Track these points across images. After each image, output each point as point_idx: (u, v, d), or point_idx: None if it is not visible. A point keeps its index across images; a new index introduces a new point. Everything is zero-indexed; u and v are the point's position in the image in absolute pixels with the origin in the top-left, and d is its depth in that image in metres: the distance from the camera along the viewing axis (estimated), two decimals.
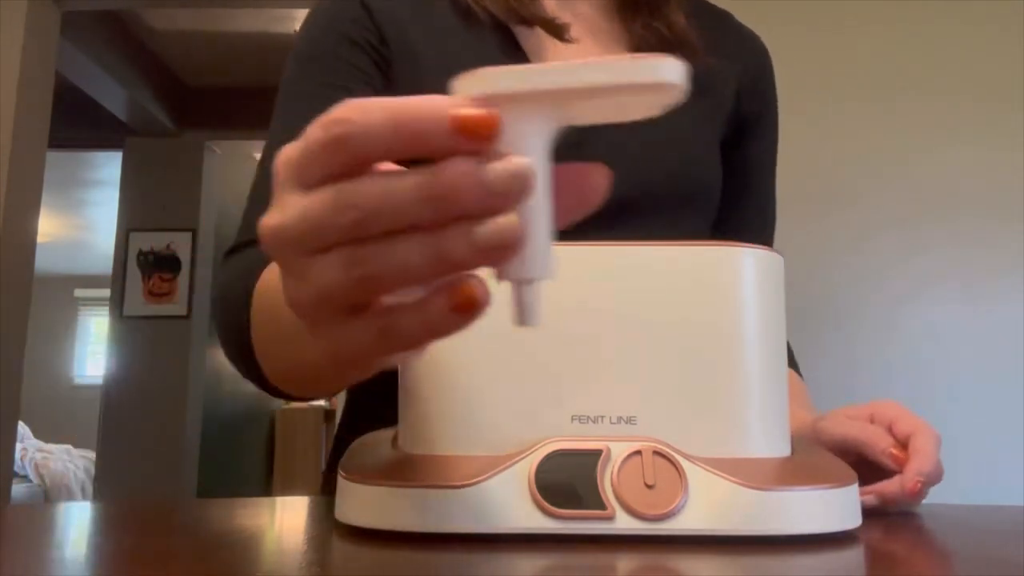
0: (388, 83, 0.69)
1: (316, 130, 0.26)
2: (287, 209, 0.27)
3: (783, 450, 0.45)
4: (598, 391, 0.42)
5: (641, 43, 0.72)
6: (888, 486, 0.52)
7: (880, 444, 0.54)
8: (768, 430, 0.44)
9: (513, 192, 0.26)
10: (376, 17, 0.70)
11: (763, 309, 0.45)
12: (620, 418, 0.42)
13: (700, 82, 0.71)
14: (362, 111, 0.26)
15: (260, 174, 0.69)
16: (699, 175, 0.72)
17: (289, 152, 0.28)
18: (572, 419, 0.42)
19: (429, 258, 0.26)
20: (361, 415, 0.73)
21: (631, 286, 0.43)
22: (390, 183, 0.26)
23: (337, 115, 0.26)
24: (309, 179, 0.27)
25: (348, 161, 0.26)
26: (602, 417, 0.42)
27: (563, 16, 0.72)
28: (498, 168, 0.25)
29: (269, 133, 0.69)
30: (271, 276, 0.53)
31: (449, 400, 0.43)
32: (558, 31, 0.69)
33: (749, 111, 0.77)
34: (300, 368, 0.51)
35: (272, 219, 0.28)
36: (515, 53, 0.70)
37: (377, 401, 0.66)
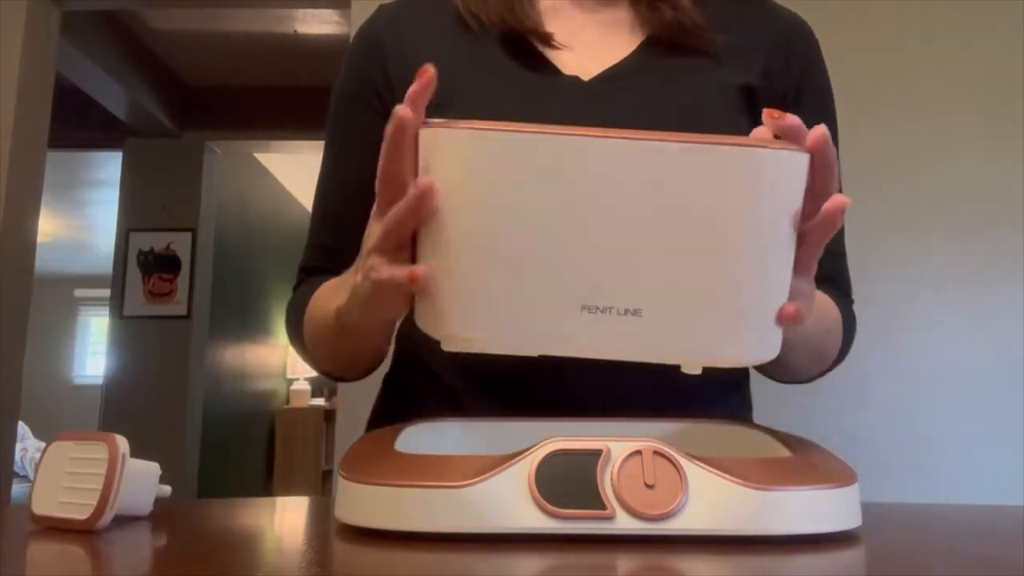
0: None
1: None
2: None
3: (771, 352, 0.45)
4: (607, 282, 0.42)
5: (651, 30, 0.72)
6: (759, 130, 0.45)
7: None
8: (762, 335, 0.44)
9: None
10: (385, 66, 0.74)
11: (775, 211, 0.43)
12: (627, 310, 0.42)
13: (718, 60, 0.70)
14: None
15: (317, 202, 0.79)
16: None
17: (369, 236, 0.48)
18: (581, 309, 0.42)
19: None
20: (397, 400, 0.76)
21: (645, 179, 0.42)
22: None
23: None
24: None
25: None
26: (610, 308, 0.42)
27: (566, 18, 0.73)
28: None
29: (321, 163, 0.79)
30: (321, 292, 0.69)
31: (465, 286, 0.43)
32: (545, 39, 0.70)
33: (784, 88, 0.73)
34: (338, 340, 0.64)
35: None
36: (515, 60, 0.70)
37: (417, 380, 0.74)
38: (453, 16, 0.73)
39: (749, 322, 0.43)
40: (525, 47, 0.71)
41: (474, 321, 0.43)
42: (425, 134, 0.44)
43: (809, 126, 0.73)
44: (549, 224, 0.42)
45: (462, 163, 0.43)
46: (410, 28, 0.74)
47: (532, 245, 0.42)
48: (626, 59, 0.71)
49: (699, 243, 0.42)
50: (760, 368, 0.68)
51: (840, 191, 0.75)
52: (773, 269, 0.44)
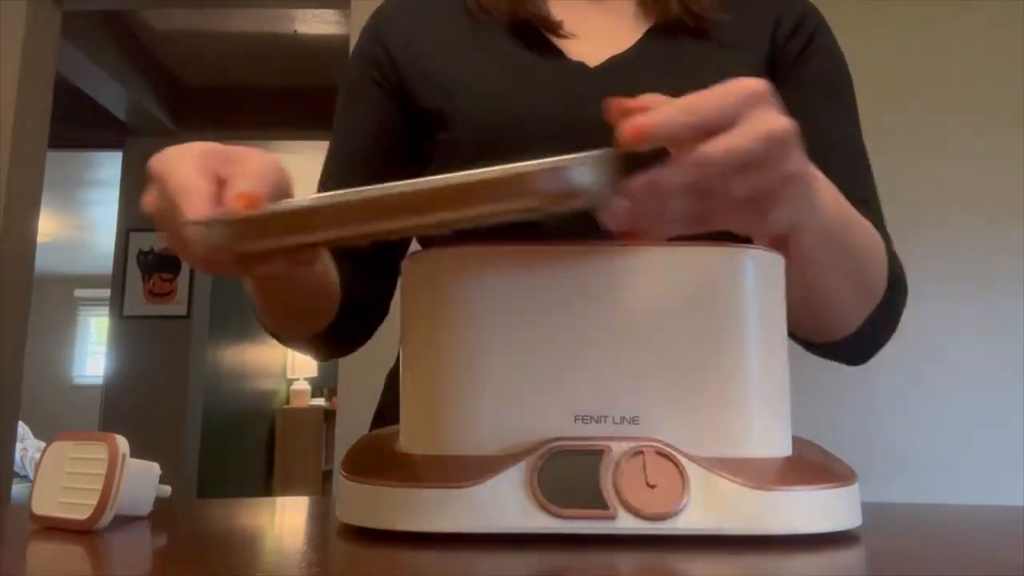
0: (405, 94, 0.74)
1: None
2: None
3: (783, 450, 0.45)
4: (600, 391, 0.42)
5: (656, 18, 0.72)
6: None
7: None
8: (768, 430, 0.44)
9: None
10: (389, 47, 0.75)
11: (763, 309, 0.45)
12: (623, 418, 0.42)
13: (724, 42, 0.71)
14: None
15: (321, 177, 0.78)
16: None
17: None
18: (575, 419, 0.42)
19: None
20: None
21: (633, 287, 0.43)
22: None
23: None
24: None
25: None
26: (605, 417, 0.42)
27: (572, 5, 0.73)
28: None
29: (327, 149, 0.79)
30: None
31: (451, 400, 0.43)
32: (553, 28, 0.71)
33: (790, 52, 0.73)
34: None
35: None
36: (521, 47, 0.71)
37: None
38: (460, 4, 0.75)
39: (749, 419, 0.43)
40: (531, 34, 0.71)
41: (466, 435, 0.43)
42: (409, 260, 0.47)
43: (817, 112, 0.73)
44: (535, 335, 0.42)
45: (445, 279, 0.44)
46: (418, 13, 0.76)
47: (519, 357, 0.42)
48: (632, 48, 0.71)
49: (689, 343, 0.43)
50: (803, 328, 0.62)
51: (872, 184, 0.73)
52: (767, 363, 0.44)
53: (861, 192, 0.71)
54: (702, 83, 0.69)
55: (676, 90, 0.68)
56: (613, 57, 0.70)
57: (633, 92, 0.69)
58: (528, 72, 0.70)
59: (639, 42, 0.71)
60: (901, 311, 0.68)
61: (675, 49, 0.71)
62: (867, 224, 0.62)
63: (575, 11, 0.73)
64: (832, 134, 0.72)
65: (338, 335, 0.73)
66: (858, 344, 0.66)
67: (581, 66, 0.70)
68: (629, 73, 0.70)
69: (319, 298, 0.67)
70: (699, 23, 0.71)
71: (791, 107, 0.71)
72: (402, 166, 0.72)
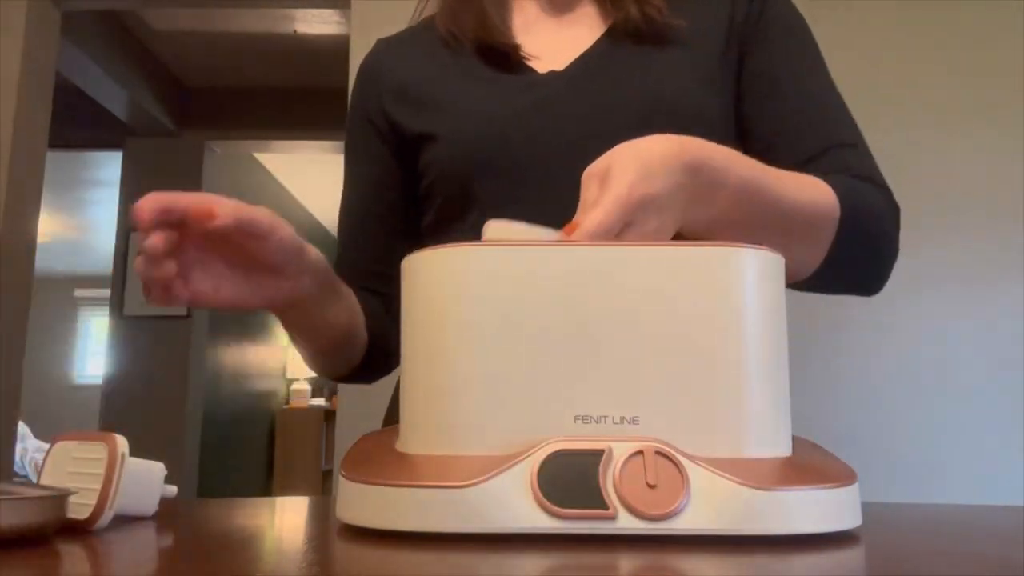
0: (398, 128, 0.81)
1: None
2: None
3: (783, 450, 0.45)
4: (600, 391, 0.42)
5: (614, 22, 0.76)
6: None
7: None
8: (768, 430, 0.44)
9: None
10: (380, 83, 0.83)
11: (763, 308, 0.45)
12: (623, 418, 0.42)
13: (680, 37, 0.74)
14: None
15: (339, 225, 0.88)
16: (683, 97, 0.72)
17: None
18: (575, 419, 0.42)
19: None
20: None
21: (632, 286, 0.43)
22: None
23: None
24: None
25: None
26: (604, 417, 0.42)
27: (534, 21, 0.80)
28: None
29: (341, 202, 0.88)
30: None
31: (450, 401, 0.43)
32: (514, 51, 0.76)
33: (746, 27, 0.76)
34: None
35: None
36: (494, 67, 0.77)
37: None
38: (440, 39, 0.82)
39: (749, 419, 0.43)
40: (500, 55, 0.77)
41: (465, 435, 0.43)
42: (409, 260, 0.47)
43: (784, 66, 0.75)
44: (534, 335, 0.42)
45: (445, 279, 0.44)
46: (405, 53, 0.84)
47: (518, 357, 0.42)
48: (593, 46, 0.76)
49: (689, 343, 0.43)
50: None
51: (853, 125, 0.74)
52: (767, 364, 0.44)
53: (844, 136, 0.72)
54: (666, 77, 0.72)
55: (642, 86, 0.72)
56: (576, 59, 0.75)
57: (597, 91, 0.73)
58: (503, 88, 0.76)
59: (599, 42, 0.76)
60: (876, 235, 0.68)
61: (633, 49, 0.75)
62: (788, 179, 0.62)
63: (538, 25, 0.80)
64: (803, 84, 0.75)
65: (367, 372, 0.80)
66: (835, 276, 0.68)
67: (551, 73, 0.75)
68: (592, 72, 0.74)
69: (346, 341, 0.74)
70: (656, 28, 0.75)
71: (760, 70, 0.74)
72: (403, 209, 0.82)
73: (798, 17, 0.78)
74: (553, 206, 0.56)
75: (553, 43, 0.78)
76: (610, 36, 0.76)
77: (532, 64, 0.76)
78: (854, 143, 0.72)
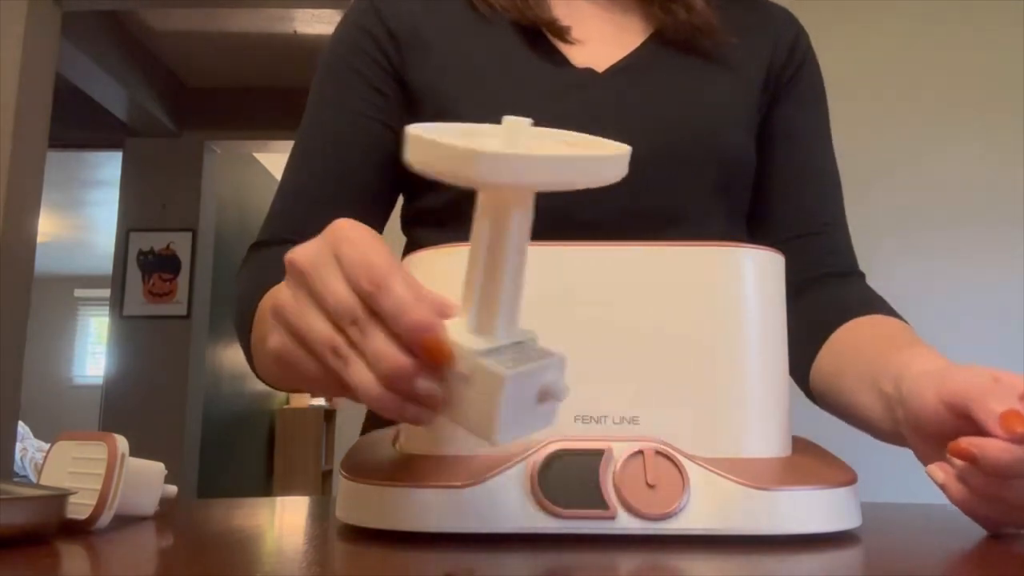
0: (402, 78, 0.71)
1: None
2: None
3: (783, 450, 0.45)
4: (600, 391, 0.42)
5: (661, 26, 0.72)
6: (990, 443, 0.41)
7: (993, 402, 0.43)
8: (768, 430, 0.44)
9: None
10: (386, 18, 0.72)
11: (763, 308, 0.45)
12: (623, 418, 0.42)
13: (726, 60, 0.72)
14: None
15: (287, 172, 0.76)
16: (726, 137, 0.71)
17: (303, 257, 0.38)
18: (575, 419, 0.42)
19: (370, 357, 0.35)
20: None
21: (633, 286, 0.43)
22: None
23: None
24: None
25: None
26: (605, 417, 0.42)
27: (575, 8, 0.73)
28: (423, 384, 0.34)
29: (297, 132, 0.75)
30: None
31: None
32: (560, 33, 0.69)
33: (783, 76, 0.76)
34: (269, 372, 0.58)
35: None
36: (528, 50, 0.70)
37: None
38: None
39: (749, 419, 0.43)
40: (538, 38, 0.70)
41: (466, 435, 0.42)
42: (408, 261, 0.47)
43: (807, 135, 0.76)
44: (537, 338, 0.41)
45: (445, 280, 0.43)
46: (409, 2, 0.73)
47: None
48: (636, 50, 0.71)
49: (689, 343, 0.43)
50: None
51: (837, 182, 0.76)
52: (767, 364, 0.44)
53: (836, 215, 0.76)
54: (707, 91, 0.70)
55: (683, 98, 0.70)
56: (619, 62, 0.70)
57: (640, 98, 0.70)
58: (537, 78, 0.69)
59: (642, 47, 0.72)
60: None
61: (679, 56, 0.71)
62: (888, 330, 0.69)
63: (579, 15, 0.73)
64: (820, 159, 0.77)
65: None
66: None
67: (588, 71, 0.69)
68: (636, 79, 0.70)
69: None
70: (704, 38, 0.72)
71: (785, 127, 0.75)
72: (381, 163, 0.70)
73: (823, 85, 0.79)
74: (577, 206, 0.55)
75: (591, 35, 0.72)
76: (653, 44, 0.72)
77: (567, 52, 0.70)
78: (844, 223, 0.76)
